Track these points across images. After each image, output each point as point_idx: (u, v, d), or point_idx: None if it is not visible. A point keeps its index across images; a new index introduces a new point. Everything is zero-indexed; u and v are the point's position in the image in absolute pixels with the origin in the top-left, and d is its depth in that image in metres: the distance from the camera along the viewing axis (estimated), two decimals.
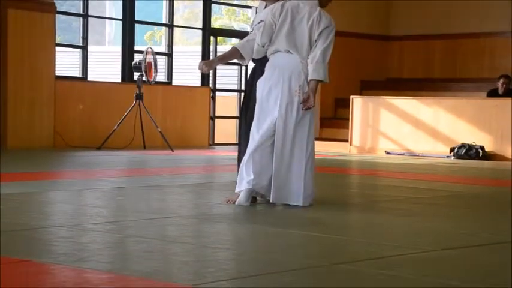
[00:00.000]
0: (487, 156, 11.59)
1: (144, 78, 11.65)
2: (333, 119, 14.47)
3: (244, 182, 5.59)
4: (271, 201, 5.60)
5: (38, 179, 7.21)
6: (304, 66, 5.60)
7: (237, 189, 5.66)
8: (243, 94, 13.89)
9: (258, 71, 5.86)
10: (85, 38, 12.05)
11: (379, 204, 6.25)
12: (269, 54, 5.71)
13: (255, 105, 5.74)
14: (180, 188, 6.86)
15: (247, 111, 5.90)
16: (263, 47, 5.70)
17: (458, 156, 11.71)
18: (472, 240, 4.57)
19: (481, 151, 11.60)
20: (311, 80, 5.57)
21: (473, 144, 11.70)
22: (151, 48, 12.11)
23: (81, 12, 12.06)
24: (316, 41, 5.58)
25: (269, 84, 5.63)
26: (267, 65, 5.71)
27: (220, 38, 14.50)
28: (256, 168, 5.56)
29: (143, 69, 11.62)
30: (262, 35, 5.67)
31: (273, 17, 5.67)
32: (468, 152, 11.66)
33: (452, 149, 11.84)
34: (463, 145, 11.76)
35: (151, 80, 11.76)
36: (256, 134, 5.62)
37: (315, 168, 5.75)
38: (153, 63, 11.76)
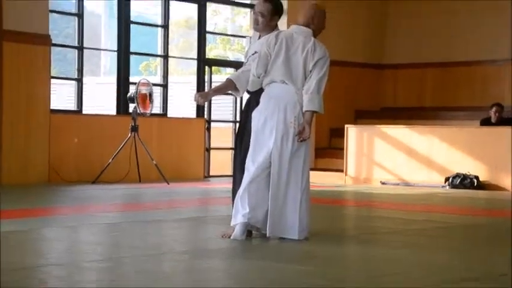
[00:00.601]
0: (482, 185, 11.59)
1: (138, 110, 11.66)
2: (328, 149, 14.48)
3: (239, 215, 5.59)
4: (267, 235, 5.60)
5: (33, 216, 7.18)
6: (300, 97, 5.62)
7: (232, 223, 5.65)
8: (238, 125, 13.95)
9: (253, 102, 5.87)
10: (80, 70, 12.07)
11: (375, 236, 6.25)
12: (264, 85, 5.73)
13: (250, 136, 5.74)
14: (176, 223, 6.86)
15: (242, 142, 5.91)
16: (258, 78, 5.72)
17: (453, 185, 11.71)
18: (469, 274, 4.57)
19: (475, 181, 11.61)
20: (306, 111, 5.58)
21: (468, 173, 11.71)
22: (147, 80, 12.15)
23: (76, 44, 12.11)
24: (311, 71, 5.61)
25: (264, 115, 5.64)
26: (262, 95, 5.73)
27: (215, 67, 14.54)
28: (251, 202, 5.56)
29: (135, 101, 11.65)
30: (258, 66, 5.70)
31: (268, 48, 5.69)
32: (463, 181, 11.67)
33: (447, 179, 11.84)
34: (457, 175, 11.77)
35: (147, 111, 11.76)
36: (251, 166, 5.63)
37: (310, 200, 5.75)
38: (147, 94, 11.77)
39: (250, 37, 6.39)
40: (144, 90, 11.80)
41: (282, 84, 5.64)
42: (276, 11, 6.05)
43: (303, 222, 5.63)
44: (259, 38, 6.04)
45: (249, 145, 5.76)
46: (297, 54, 5.64)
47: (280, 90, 5.64)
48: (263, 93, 5.73)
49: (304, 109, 5.59)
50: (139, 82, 11.91)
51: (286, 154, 5.59)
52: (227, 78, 5.97)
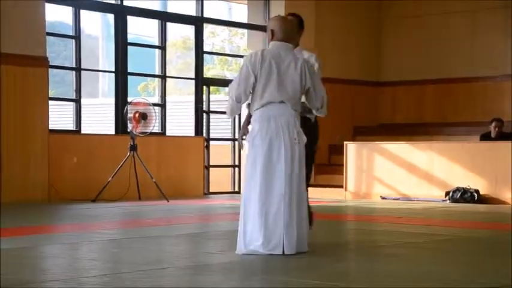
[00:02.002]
0: (482, 199, 11.58)
1: (133, 130, 11.70)
2: (328, 166, 14.47)
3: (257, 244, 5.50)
4: (285, 252, 5.49)
5: (33, 234, 7.17)
6: (296, 114, 5.63)
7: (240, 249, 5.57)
8: (236, 142, 13.95)
9: None
10: (78, 91, 12.10)
11: (376, 249, 6.23)
12: (257, 107, 5.59)
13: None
14: (176, 239, 6.83)
15: None
16: (239, 102, 5.61)
17: (453, 200, 11.70)
18: (470, 285, 4.55)
19: (476, 195, 11.60)
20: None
21: (468, 187, 11.70)
22: (140, 100, 12.21)
23: (74, 66, 12.13)
24: (310, 88, 5.67)
25: (269, 136, 5.54)
26: (257, 117, 5.58)
27: (213, 87, 14.58)
28: (268, 235, 5.48)
29: (128, 120, 11.70)
30: (239, 86, 5.56)
31: (253, 68, 5.55)
32: (463, 195, 11.65)
33: (447, 193, 11.83)
34: (457, 189, 11.76)
35: (135, 130, 11.76)
36: (263, 197, 5.49)
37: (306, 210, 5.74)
38: (139, 114, 11.77)
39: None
40: (138, 109, 11.82)
41: (280, 104, 5.59)
42: (300, 25, 6.44)
43: (305, 234, 5.66)
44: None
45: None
46: (289, 71, 5.59)
47: (279, 110, 5.58)
48: (258, 115, 5.59)
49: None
50: (130, 102, 11.96)
51: (296, 173, 5.57)
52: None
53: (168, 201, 11.32)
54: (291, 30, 5.76)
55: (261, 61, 5.56)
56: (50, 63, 11.56)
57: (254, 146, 5.56)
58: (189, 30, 14.30)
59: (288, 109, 5.60)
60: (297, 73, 5.59)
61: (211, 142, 13.73)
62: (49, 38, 11.75)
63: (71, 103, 12.24)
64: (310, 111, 5.99)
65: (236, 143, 13.98)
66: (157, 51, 13.35)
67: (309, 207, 6.00)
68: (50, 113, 11.45)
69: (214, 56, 21.49)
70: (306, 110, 5.99)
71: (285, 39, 5.68)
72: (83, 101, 12.31)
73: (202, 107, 13.41)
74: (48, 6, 11.63)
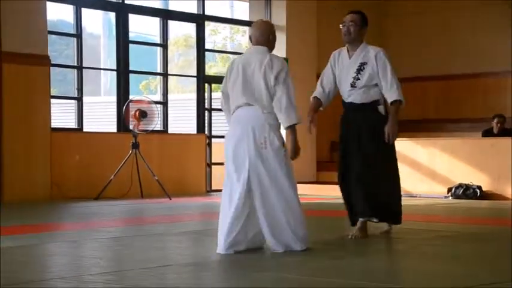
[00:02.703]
0: (485, 195, 11.58)
1: (135, 128, 11.71)
2: (329, 162, 14.46)
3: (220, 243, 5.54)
4: (272, 249, 5.55)
5: (36, 232, 7.17)
6: (268, 116, 5.54)
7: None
8: None
9: (349, 113, 6.62)
10: (80, 89, 12.10)
11: (378, 246, 6.23)
12: (232, 111, 5.69)
13: (343, 143, 6.50)
14: (178, 236, 6.84)
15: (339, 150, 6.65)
16: (226, 109, 5.78)
17: (456, 196, 11.70)
18: (472, 281, 4.55)
19: (478, 191, 11.59)
20: (287, 128, 5.53)
21: (471, 184, 11.70)
22: (140, 98, 12.22)
23: (75, 64, 12.14)
24: (274, 86, 5.54)
25: (234, 141, 5.57)
26: (231, 121, 5.69)
27: (215, 85, 14.56)
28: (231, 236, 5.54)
29: (130, 117, 11.72)
30: (221, 96, 5.76)
31: (225, 76, 5.74)
32: (466, 192, 11.65)
33: (449, 189, 11.83)
34: (460, 185, 11.76)
35: (135, 129, 11.76)
36: (228, 202, 5.64)
37: (299, 211, 5.63)
38: (139, 112, 11.78)
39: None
40: (140, 107, 11.83)
41: (247, 107, 5.58)
42: (365, 21, 6.59)
43: (300, 231, 5.59)
44: (348, 54, 6.50)
45: (342, 153, 6.46)
46: (255, 74, 5.58)
47: (246, 113, 5.58)
48: (231, 120, 5.69)
49: (284, 127, 5.52)
50: (130, 100, 11.97)
51: (264, 176, 5.51)
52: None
53: (170, 198, 11.33)
54: (261, 34, 5.71)
55: (231, 68, 5.71)
56: (52, 62, 11.57)
57: (224, 150, 5.67)
58: (191, 28, 14.30)
59: (256, 112, 5.55)
60: (261, 74, 5.55)
61: (213, 139, 13.73)
62: (51, 37, 11.76)
63: (73, 101, 12.24)
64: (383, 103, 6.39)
65: None
66: (158, 49, 13.35)
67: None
68: (52, 111, 11.46)
69: (216, 54, 21.49)
70: (379, 103, 6.48)
71: (256, 42, 5.72)
72: (85, 99, 12.32)
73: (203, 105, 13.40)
74: (50, 5, 11.64)
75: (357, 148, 6.54)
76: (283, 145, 5.60)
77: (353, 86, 6.55)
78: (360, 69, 6.53)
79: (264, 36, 5.71)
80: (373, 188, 6.50)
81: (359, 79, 6.54)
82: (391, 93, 6.54)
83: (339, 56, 6.69)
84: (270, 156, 5.51)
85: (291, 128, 5.53)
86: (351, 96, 6.61)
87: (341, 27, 6.65)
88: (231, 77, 5.67)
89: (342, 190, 6.68)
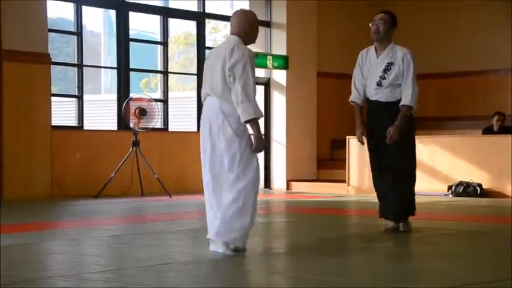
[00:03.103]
0: (485, 193, 11.58)
1: (135, 126, 11.71)
2: (330, 160, 14.47)
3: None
4: (211, 237, 5.45)
5: (36, 230, 7.18)
6: (223, 105, 5.36)
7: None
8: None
9: (374, 110, 6.72)
10: (80, 87, 12.11)
11: (380, 244, 6.23)
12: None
13: (373, 139, 6.66)
14: (178, 234, 6.84)
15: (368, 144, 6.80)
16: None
17: (456, 194, 11.70)
18: (472, 279, 4.55)
19: (478, 188, 11.60)
20: (245, 122, 5.32)
21: (471, 181, 11.70)
22: (140, 95, 12.21)
23: (76, 62, 12.14)
24: (229, 77, 5.32)
25: (201, 133, 5.52)
26: None
27: None
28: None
29: (130, 115, 11.72)
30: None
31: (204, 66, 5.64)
32: (466, 189, 11.65)
33: (450, 187, 11.83)
34: (460, 183, 11.76)
35: (135, 127, 11.77)
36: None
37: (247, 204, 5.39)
38: (138, 110, 11.79)
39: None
40: (137, 105, 11.84)
41: (208, 98, 5.48)
42: (394, 21, 6.75)
43: (231, 224, 5.37)
44: (376, 53, 6.60)
45: (371, 147, 6.67)
46: (217, 64, 5.42)
47: (207, 104, 5.48)
48: None
49: (242, 121, 5.32)
50: (129, 98, 11.98)
51: (217, 167, 5.39)
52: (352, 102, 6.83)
53: (170, 196, 11.33)
54: (238, 24, 5.51)
55: (206, 59, 5.63)
56: (52, 60, 11.58)
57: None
58: (191, 25, 14.29)
59: (213, 102, 5.43)
60: (220, 64, 5.38)
61: None
62: (51, 35, 11.77)
63: (73, 99, 12.24)
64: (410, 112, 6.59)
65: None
66: (159, 47, 13.35)
67: None
68: (52, 109, 11.47)
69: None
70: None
71: (232, 32, 5.53)
72: (85, 97, 12.32)
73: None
74: (50, 3, 11.64)
75: (384, 147, 6.68)
76: (250, 137, 5.43)
77: (379, 84, 6.67)
78: (387, 69, 6.67)
79: (240, 26, 5.51)
80: (401, 188, 6.81)
81: (385, 78, 6.67)
82: (404, 97, 6.71)
83: (366, 55, 6.81)
84: (222, 145, 5.37)
85: (250, 122, 5.30)
86: (377, 94, 6.73)
87: (370, 25, 6.74)
88: (205, 68, 5.58)
89: (376, 187, 7.07)
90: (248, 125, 5.39)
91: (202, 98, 5.58)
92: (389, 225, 6.83)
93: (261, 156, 14.17)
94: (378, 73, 6.69)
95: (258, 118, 5.34)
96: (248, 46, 5.53)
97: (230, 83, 5.32)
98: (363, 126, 6.84)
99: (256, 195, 5.44)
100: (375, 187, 7.05)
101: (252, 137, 5.42)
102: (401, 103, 6.68)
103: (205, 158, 5.47)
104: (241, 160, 5.36)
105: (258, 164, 5.48)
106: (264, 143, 5.43)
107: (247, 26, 5.51)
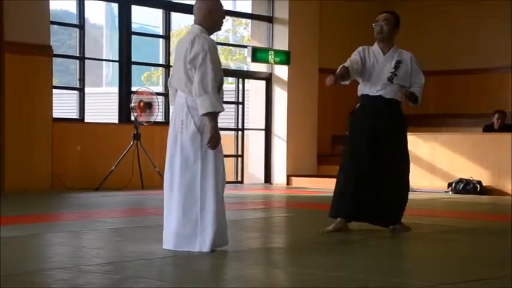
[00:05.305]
0: (485, 191, 11.60)
1: (138, 119, 11.73)
2: (331, 156, 14.47)
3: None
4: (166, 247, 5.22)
5: (36, 222, 7.20)
6: (188, 98, 5.16)
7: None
8: (240, 133, 13.96)
9: (361, 110, 6.65)
10: (82, 80, 12.12)
11: (379, 241, 6.24)
12: None
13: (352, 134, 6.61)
14: None
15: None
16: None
17: (456, 191, 11.72)
18: (470, 275, 4.57)
19: (478, 186, 11.61)
20: (202, 116, 5.10)
21: (471, 179, 11.71)
22: (146, 89, 12.21)
23: (77, 55, 12.14)
24: (190, 69, 5.12)
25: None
26: None
27: None
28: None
29: (134, 110, 11.74)
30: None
31: None
32: (466, 187, 11.67)
33: (450, 184, 11.85)
34: (460, 180, 11.78)
35: (142, 120, 11.80)
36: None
37: (221, 211, 5.21)
38: (144, 103, 11.81)
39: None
40: (143, 99, 11.86)
41: (176, 92, 5.30)
42: (397, 22, 6.69)
43: (204, 234, 5.13)
44: (382, 52, 6.59)
45: (361, 142, 6.53)
46: (179, 56, 5.22)
47: (177, 98, 5.30)
48: None
49: (200, 114, 5.12)
50: (136, 91, 11.99)
51: (176, 163, 5.25)
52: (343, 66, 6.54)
53: None
54: (198, 11, 5.27)
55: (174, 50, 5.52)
56: (54, 52, 11.57)
57: None
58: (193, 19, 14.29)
59: (179, 96, 5.25)
60: (182, 56, 5.16)
61: None
62: (53, 27, 11.77)
63: (75, 92, 12.26)
64: (414, 101, 6.75)
65: (239, 132, 14.00)
66: (161, 41, 13.35)
67: None
68: (53, 101, 11.47)
69: (218, 46, 21.48)
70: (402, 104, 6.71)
71: (194, 21, 5.33)
72: (87, 90, 12.33)
73: None
74: None
75: (381, 143, 6.58)
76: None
77: (390, 80, 6.64)
78: (397, 66, 6.66)
79: (201, 13, 5.26)
80: (400, 188, 6.60)
81: (396, 75, 6.64)
82: (415, 89, 6.88)
83: (368, 51, 6.77)
84: (186, 140, 5.21)
85: (208, 116, 5.08)
86: (382, 90, 6.62)
87: (374, 26, 6.74)
88: (173, 60, 5.40)
89: (350, 183, 6.52)
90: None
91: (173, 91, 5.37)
92: (330, 227, 6.44)
93: (261, 151, 14.20)
94: (388, 69, 6.63)
95: (216, 112, 5.14)
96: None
97: (192, 76, 5.13)
98: (340, 76, 6.52)
99: (218, 201, 5.16)
100: (345, 182, 6.51)
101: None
102: (412, 90, 6.78)
103: (167, 152, 5.30)
104: (204, 156, 5.18)
105: (220, 163, 5.24)
106: (218, 141, 5.15)
107: (206, 12, 5.24)
